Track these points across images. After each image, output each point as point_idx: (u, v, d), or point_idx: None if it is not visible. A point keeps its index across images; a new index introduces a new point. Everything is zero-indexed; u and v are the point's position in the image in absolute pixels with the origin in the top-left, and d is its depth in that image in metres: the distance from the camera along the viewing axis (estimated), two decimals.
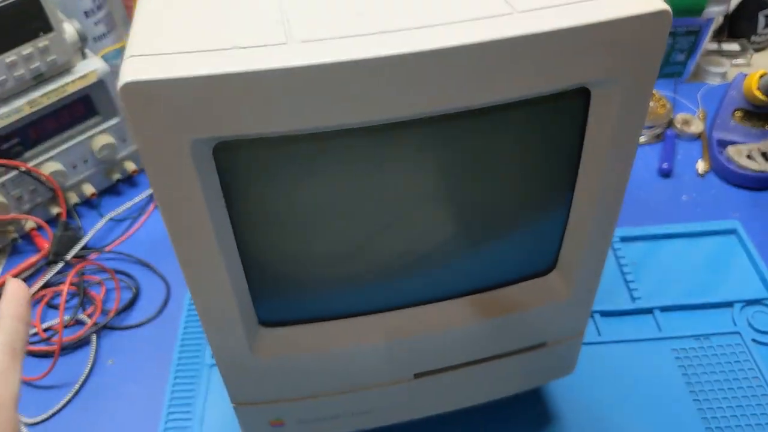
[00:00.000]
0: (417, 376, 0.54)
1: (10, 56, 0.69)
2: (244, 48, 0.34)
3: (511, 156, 0.43)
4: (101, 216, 0.82)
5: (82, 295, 0.73)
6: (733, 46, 1.04)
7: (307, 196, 0.41)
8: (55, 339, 0.70)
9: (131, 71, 0.33)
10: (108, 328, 0.72)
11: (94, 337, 0.70)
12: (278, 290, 0.47)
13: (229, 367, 0.49)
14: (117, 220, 0.83)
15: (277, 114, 0.35)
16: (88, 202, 0.85)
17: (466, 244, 0.48)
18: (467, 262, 0.49)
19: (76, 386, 0.67)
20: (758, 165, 0.83)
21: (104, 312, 0.73)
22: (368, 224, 0.44)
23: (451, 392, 0.57)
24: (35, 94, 0.73)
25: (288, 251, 0.45)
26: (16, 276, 0.75)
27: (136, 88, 0.32)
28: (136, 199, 0.83)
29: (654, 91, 0.95)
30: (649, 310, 0.72)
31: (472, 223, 0.47)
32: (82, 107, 0.77)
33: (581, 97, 0.40)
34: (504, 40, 0.34)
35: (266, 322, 0.49)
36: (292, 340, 0.49)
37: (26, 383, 0.67)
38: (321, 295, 0.49)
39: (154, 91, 0.33)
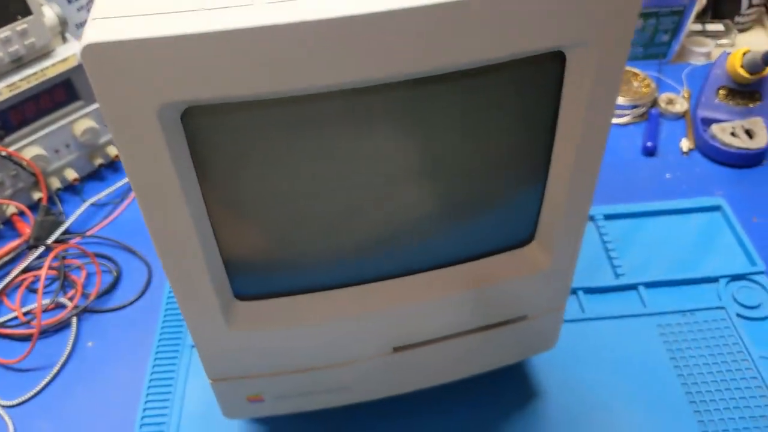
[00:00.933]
0: (396, 350, 0.54)
1: None
2: (210, 9, 0.34)
3: (487, 123, 0.43)
4: (84, 201, 0.82)
5: (62, 278, 0.73)
6: (718, 27, 1.04)
7: (279, 166, 0.41)
8: (34, 322, 0.69)
9: (93, 33, 0.32)
10: (89, 311, 0.71)
11: (74, 320, 0.70)
12: (253, 263, 0.47)
13: (205, 341, 0.49)
14: (99, 205, 0.83)
15: (243, 76, 0.34)
16: (70, 188, 0.84)
17: (442, 215, 0.48)
18: (445, 233, 0.49)
19: (56, 368, 0.66)
20: (742, 142, 0.83)
21: (85, 295, 0.73)
22: (342, 194, 0.44)
23: (432, 367, 0.57)
24: (14, 78, 0.73)
25: (261, 223, 0.44)
26: None
27: (98, 50, 0.32)
28: (119, 184, 0.83)
29: (638, 71, 0.94)
30: (633, 287, 0.72)
31: (448, 193, 0.46)
32: (63, 91, 0.77)
33: (557, 61, 0.40)
34: None
35: (241, 296, 0.48)
36: (268, 313, 0.49)
37: (4, 366, 0.67)
38: (297, 268, 0.48)
39: (117, 54, 0.32)
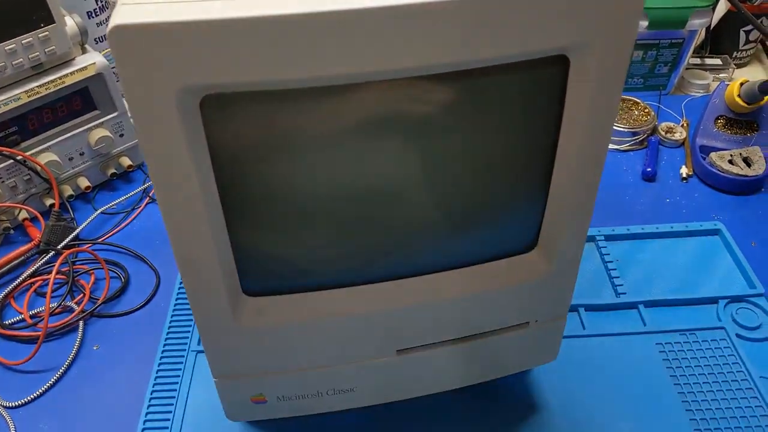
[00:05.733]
0: (400, 352, 0.54)
1: (9, 44, 0.70)
2: None
3: (491, 127, 0.44)
4: (95, 210, 0.83)
5: (71, 283, 0.73)
6: (716, 61, 1.07)
7: (292, 162, 0.42)
8: (40, 325, 0.70)
9: (120, 16, 0.34)
10: (96, 316, 0.72)
11: (81, 324, 0.70)
12: (262, 258, 0.48)
13: (212, 336, 0.50)
14: (110, 214, 0.84)
15: (260, 62, 0.35)
16: (82, 196, 0.85)
17: (447, 219, 0.49)
18: (450, 237, 0.50)
19: (60, 371, 0.66)
20: (740, 169, 0.85)
21: (93, 300, 0.73)
22: (351, 195, 0.45)
23: (435, 373, 0.57)
24: (33, 84, 0.75)
25: (271, 218, 0.46)
26: (4, 265, 0.75)
27: (124, 31, 0.33)
28: (130, 194, 0.84)
29: (638, 100, 0.97)
30: (633, 305, 0.73)
31: (453, 197, 0.48)
32: (81, 100, 0.79)
33: (560, 65, 0.41)
34: None
35: (249, 291, 0.49)
36: (275, 309, 0.50)
37: (8, 367, 0.67)
38: (304, 266, 0.49)
39: (141, 36, 0.34)
